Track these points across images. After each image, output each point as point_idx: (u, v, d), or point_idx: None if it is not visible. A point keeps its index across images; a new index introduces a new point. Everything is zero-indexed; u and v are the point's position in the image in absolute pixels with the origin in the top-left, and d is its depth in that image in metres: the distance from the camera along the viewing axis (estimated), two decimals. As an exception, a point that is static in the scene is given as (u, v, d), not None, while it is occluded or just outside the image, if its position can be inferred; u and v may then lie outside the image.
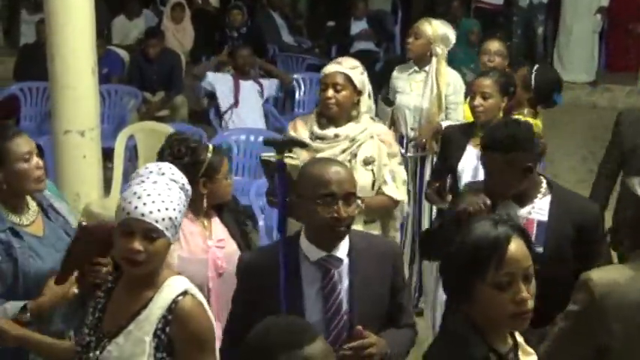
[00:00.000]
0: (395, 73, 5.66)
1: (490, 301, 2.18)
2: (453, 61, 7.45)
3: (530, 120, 4.60)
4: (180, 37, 10.20)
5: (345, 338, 2.90)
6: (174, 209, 2.67)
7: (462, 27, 9.36)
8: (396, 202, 4.25)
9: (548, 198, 3.46)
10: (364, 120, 4.17)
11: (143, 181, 2.71)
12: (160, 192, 2.66)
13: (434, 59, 5.45)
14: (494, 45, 5.64)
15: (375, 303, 3.01)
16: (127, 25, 10.53)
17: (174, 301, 2.68)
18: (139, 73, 8.93)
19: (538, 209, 3.45)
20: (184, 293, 2.71)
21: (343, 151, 4.09)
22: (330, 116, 4.14)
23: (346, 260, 2.96)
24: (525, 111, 5.03)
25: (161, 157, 3.39)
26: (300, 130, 4.17)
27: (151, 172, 2.76)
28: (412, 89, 5.49)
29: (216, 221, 3.56)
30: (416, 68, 5.52)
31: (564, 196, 3.48)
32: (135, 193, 2.65)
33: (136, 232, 2.63)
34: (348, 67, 4.10)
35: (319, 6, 12.59)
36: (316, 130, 4.14)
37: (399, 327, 3.10)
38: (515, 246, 2.20)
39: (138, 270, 2.67)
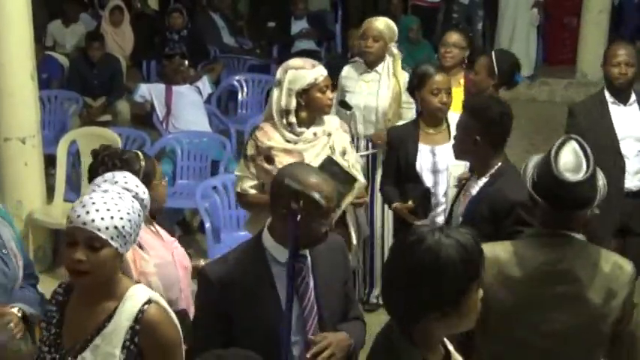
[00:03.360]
0: (344, 73, 5.65)
1: (475, 303, 2.23)
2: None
3: None
4: (120, 40, 10.11)
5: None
6: (122, 218, 2.61)
7: (402, 24, 9.41)
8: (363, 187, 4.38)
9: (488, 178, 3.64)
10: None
11: (94, 190, 2.70)
12: (107, 201, 2.62)
13: (388, 58, 5.49)
14: (453, 37, 5.69)
15: (337, 297, 3.07)
16: (62, 30, 10.40)
17: (141, 311, 2.65)
18: (80, 77, 8.84)
19: (477, 187, 3.63)
20: (149, 302, 2.69)
21: (324, 147, 4.17)
22: (323, 115, 4.20)
23: (308, 257, 2.99)
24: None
25: (95, 175, 3.24)
26: (274, 136, 4.14)
27: (104, 181, 2.78)
28: (362, 89, 5.50)
29: (157, 225, 3.55)
30: (367, 68, 5.53)
31: (499, 178, 3.61)
32: (81, 202, 2.62)
33: (79, 241, 2.58)
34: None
35: (260, 7, 12.59)
36: (290, 135, 4.12)
37: (348, 319, 3.13)
38: None
39: (82, 280, 2.62)
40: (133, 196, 2.74)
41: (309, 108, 4.12)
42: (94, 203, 2.60)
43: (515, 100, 10.97)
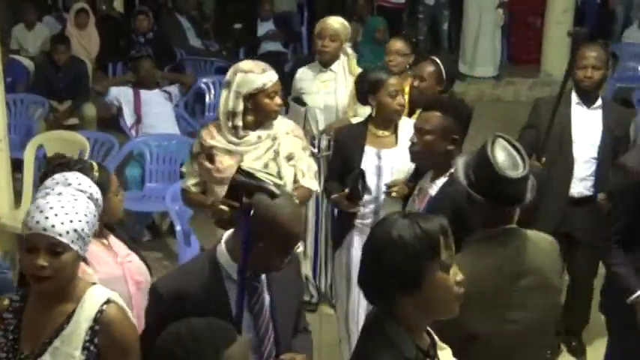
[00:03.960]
0: (299, 75, 5.64)
1: (442, 285, 2.27)
2: (359, 59, 7.59)
3: None
4: (86, 43, 10.05)
5: None
6: (81, 220, 2.60)
7: (369, 25, 9.49)
8: (311, 193, 4.40)
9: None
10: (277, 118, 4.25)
11: (48, 194, 2.65)
12: (64, 204, 2.60)
13: (343, 58, 5.53)
14: (396, 44, 5.70)
15: (292, 312, 3.03)
16: (26, 33, 10.32)
17: (100, 311, 2.65)
18: (45, 81, 8.79)
19: (436, 187, 3.63)
20: (108, 302, 2.69)
21: (267, 150, 4.15)
22: (271, 120, 4.18)
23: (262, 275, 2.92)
24: None
25: None
26: (217, 136, 4.15)
27: (57, 183, 2.72)
28: (320, 89, 5.51)
29: (113, 238, 3.45)
30: (322, 68, 5.55)
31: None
32: (38, 207, 2.59)
33: (40, 247, 2.56)
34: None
35: (225, 8, 12.56)
36: (232, 138, 4.11)
37: (298, 331, 3.11)
38: None
39: (44, 286, 2.61)
40: (88, 197, 2.71)
41: (255, 112, 4.10)
42: (51, 208, 2.57)
43: (480, 99, 11.11)
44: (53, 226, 2.54)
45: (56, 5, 12.40)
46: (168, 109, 7.49)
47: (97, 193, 2.80)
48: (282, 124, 4.27)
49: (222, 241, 2.90)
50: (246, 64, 4.15)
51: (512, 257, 2.91)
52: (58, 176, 2.77)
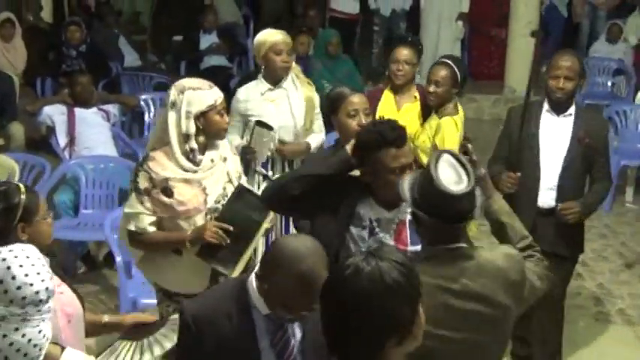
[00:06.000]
0: (242, 97, 5.49)
1: (423, 320, 2.30)
2: (311, 73, 7.65)
3: (453, 120, 5.22)
4: (11, 56, 9.94)
5: None
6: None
7: (321, 38, 9.53)
8: None
9: None
10: None
11: None
12: None
13: (292, 74, 5.53)
14: (403, 53, 5.68)
15: (324, 349, 3.02)
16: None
17: None
18: (-33, 98, 8.68)
19: (403, 211, 3.60)
20: None
21: (222, 173, 4.18)
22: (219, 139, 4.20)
23: None
24: (452, 105, 5.32)
25: None
26: (169, 166, 4.08)
27: None
28: (270, 110, 5.43)
29: None
30: (270, 86, 5.48)
31: None
32: None
33: None
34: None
35: (163, 19, 12.55)
36: (188, 164, 4.07)
37: None
38: None
39: None
40: None
41: (206, 132, 4.09)
42: None
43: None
44: None
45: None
46: (106, 129, 7.42)
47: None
48: (224, 143, 4.29)
49: (255, 273, 2.93)
50: (191, 81, 4.13)
51: (449, 277, 2.96)
52: None
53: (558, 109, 5.03)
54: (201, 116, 4.05)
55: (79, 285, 3.79)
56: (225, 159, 4.21)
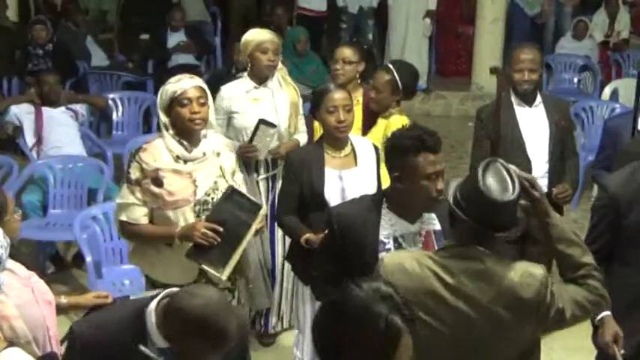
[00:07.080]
0: (226, 94, 5.49)
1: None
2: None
3: (402, 118, 5.12)
4: (-24, 57, 9.92)
5: None
6: None
7: (289, 36, 9.57)
8: None
9: None
10: (208, 132, 4.29)
11: None
12: None
13: (277, 73, 5.54)
14: (343, 52, 5.68)
15: None
16: None
17: None
18: None
19: (428, 221, 3.64)
20: None
21: (214, 167, 4.23)
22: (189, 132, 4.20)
23: None
24: (395, 111, 5.33)
25: None
26: (161, 157, 4.15)
27: None
28: (254, 109, 5.43)
29: (10, 261, 3.39)
30: (255, 85, 5.50)
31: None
32: None
33: None
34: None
35: (131, 17, 12.49)
36: (184, 153, 4.15)
37: None
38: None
39: None
40: None
41: (174, 124, 4.15)
42: None
43: (409, 115, 11.09)
44: None
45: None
46: (74, 128, 7.41)
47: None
48: (217, 139, 4.36)
49: (153, 309, 2.88)
50: (176, 76, 4.23)
51: (448, 270, 3.01)
52: None
53: (527, 100, 5.34)
54: (169, 109, 4.13)
55: (48, 286, 3.78)
56: (218, 154, 4.26)
